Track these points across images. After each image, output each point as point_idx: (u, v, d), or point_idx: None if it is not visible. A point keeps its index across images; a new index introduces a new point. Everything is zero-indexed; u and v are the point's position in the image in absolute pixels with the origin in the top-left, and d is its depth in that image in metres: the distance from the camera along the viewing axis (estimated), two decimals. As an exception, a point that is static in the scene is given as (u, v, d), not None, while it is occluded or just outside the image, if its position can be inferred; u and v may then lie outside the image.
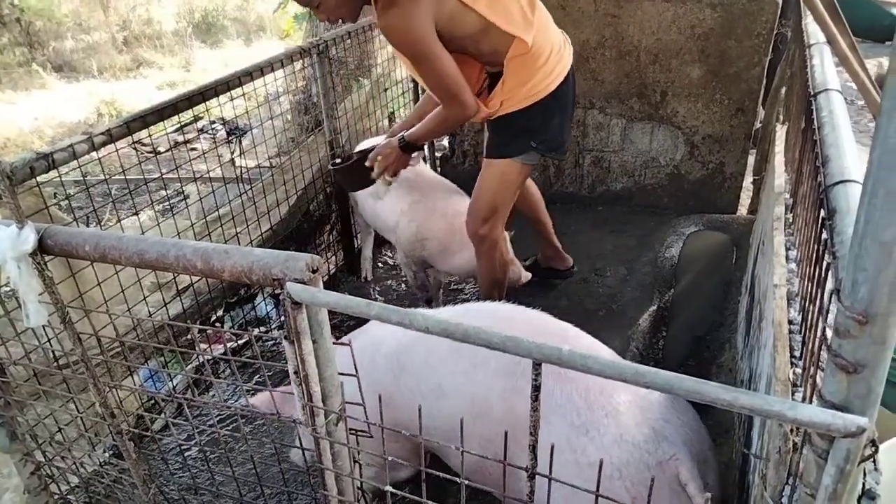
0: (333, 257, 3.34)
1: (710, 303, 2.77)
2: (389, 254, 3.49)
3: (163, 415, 2.29)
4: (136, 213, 2.27)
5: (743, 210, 3.53)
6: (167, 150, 4.55)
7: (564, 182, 3.74)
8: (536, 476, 0.94)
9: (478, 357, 1.55)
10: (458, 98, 2.08)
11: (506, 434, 0.97)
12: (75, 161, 1.83)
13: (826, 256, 0.82)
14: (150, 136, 2.08)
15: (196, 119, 5.73)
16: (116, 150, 1.94)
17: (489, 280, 2.52)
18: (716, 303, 2.75)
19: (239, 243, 2.57)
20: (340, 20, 2.12)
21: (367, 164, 2.38)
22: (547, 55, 2.19)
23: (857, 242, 0.64)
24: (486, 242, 2.42)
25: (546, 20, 2.24)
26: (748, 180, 3.55)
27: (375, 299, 3.14)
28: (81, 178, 1.98)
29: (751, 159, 3.51)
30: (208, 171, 2.43)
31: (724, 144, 3.39)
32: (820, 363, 0.79)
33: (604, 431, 1.35)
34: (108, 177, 1.93)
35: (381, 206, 2.70)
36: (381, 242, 3.54)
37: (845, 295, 0.68)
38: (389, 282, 3.26)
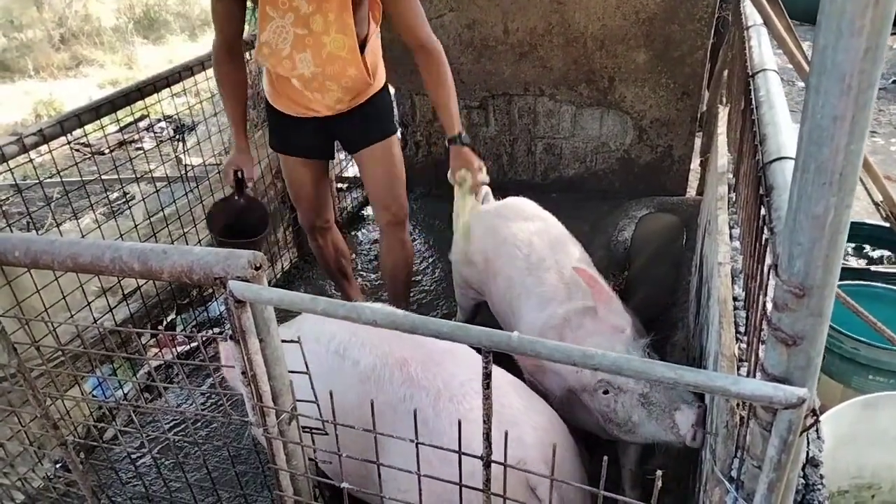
0: (287, 253, 3.28)
1: (662, 284, 2.81)
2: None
3: (114, 423, 2.22)
4: (76, 217, 2.18)
5: (692, 192, 3.60)
6: (111, 150, 4.39)
7: (517, 170, 3.76)
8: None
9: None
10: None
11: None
12: (5, 164, 1.75)
13: (765, 232, 0.84)
14: (85, 135, 2.00)
15: (142, 118, 5.55)
16: (50, 151, 1.86)
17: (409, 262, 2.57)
18: (668, 283, 2.79)
19: (187, 243, 2.50)
20: None
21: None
22: None
23: (791, 217, 0.65)
24: (406, 221, 2.44)
25: None
26: (696, 163, 3.62)
27: (332, 295, 3.09)
28: (14, 183, 1.89)
29: (698, 142, 3.58)
30: (150, 171, 2.35)
31: (672, 128, 3.45)
32: (762, 337, 0.80)
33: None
34: (41, 180, 1.84)
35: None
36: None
37: (782, 269, 0.69)
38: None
